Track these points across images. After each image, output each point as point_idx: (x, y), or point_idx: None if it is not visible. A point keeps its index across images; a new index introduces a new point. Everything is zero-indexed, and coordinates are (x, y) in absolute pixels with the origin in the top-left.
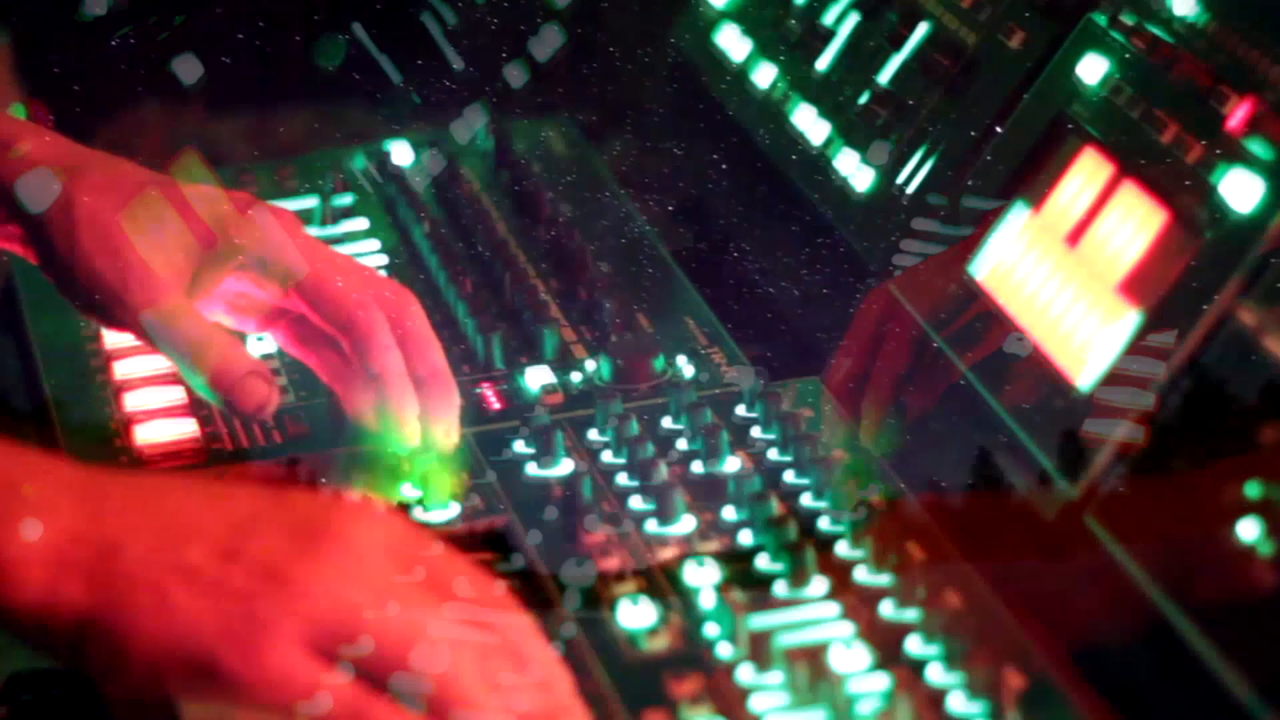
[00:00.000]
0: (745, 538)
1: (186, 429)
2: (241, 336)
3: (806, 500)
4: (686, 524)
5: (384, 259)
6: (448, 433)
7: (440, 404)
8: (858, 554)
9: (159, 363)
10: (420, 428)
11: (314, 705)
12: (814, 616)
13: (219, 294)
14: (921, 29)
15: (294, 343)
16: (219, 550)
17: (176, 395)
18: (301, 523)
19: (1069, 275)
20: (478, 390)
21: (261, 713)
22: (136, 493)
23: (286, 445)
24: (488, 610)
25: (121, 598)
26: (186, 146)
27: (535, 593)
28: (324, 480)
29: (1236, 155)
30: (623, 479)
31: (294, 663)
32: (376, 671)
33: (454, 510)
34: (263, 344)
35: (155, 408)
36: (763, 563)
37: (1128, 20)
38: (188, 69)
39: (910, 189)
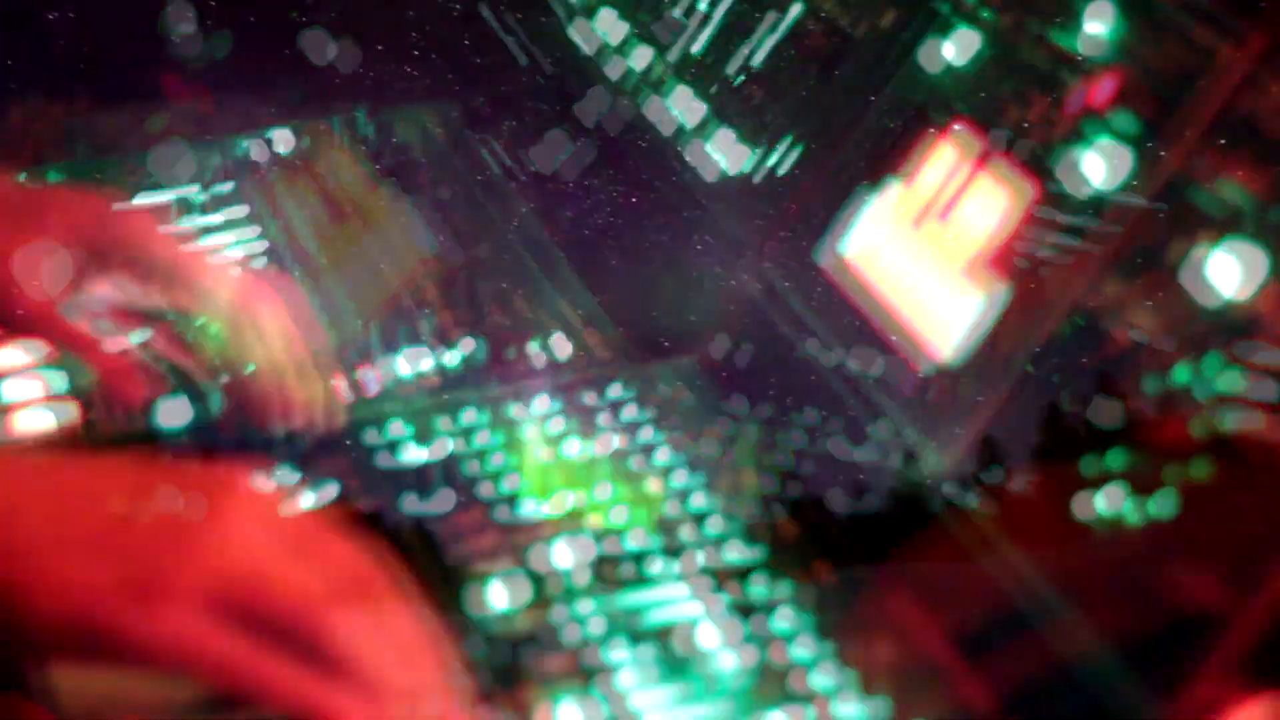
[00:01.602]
0: (618, 516)
1: (66, 416)
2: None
3: (679, 479)
4: (560, 503)
5: (264, 245)
6: (325, 416)
7: (314, 389)
8: (729, 531)
9: (36, 352)
10: (294, 417)
11: (206, 665)
12: (684, 594)
13: (87, 294)
14: (794, 9)
15: (162, 342)
16: (111, 519)
17: (57, 383)
18: (192, 489)
19: (937, 251)
20: (355, 374)
21: (137, 677)
22: (28, 467)
23: (165, 432)
24: (367, 580)
25: (18, 566)
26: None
27: (409, 572)
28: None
29: (1099, 130)
30: (497, 460)
31: (188, 623)
32: (269, 633)
33: (331, 492)
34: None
35: (34, 397)
36: (635, 541)
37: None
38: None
39: (783, 169)
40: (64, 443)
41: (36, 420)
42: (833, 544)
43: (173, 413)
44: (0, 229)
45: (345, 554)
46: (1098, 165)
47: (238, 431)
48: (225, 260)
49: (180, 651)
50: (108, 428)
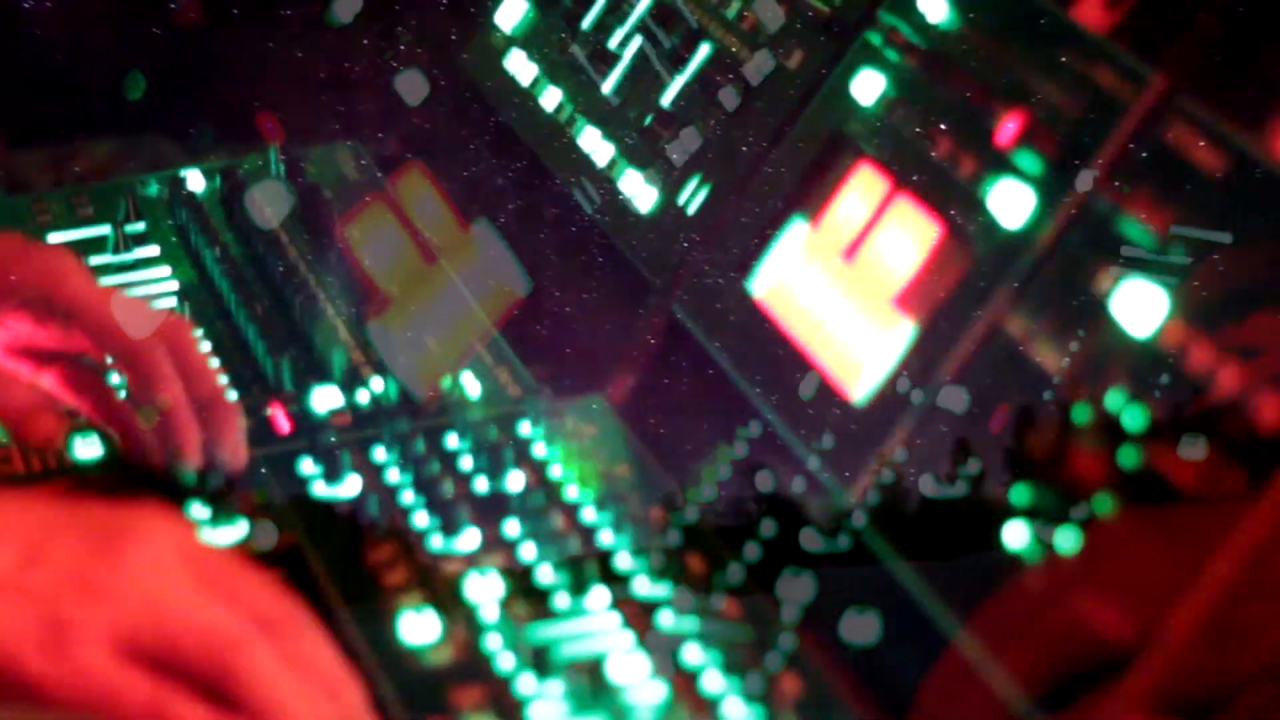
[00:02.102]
0: (527, 552)
1: None
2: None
3: (588, 515)
4: (470, 539)
5: (175, 284)
6: (234, 454)
7: (223, 427)
8: (637, 566)
9: None
10: (203, 455)
11: (117, 708)
12: (594, 628)
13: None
14: (703, 50)
15: (67, 385)
16: (21, 556)
17: None
18: (100, 529)
19: (846, 289)
20: (267, 411)
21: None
22: None
23: (81, 467)
24: (280, 616)
25: None
26: None
27: (322, 608)
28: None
29: (1006, 169)
30: (408, 497)
31: (98, 665)
32: (177, 673)
33: (243, 529)
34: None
35: None
36: (544, 576)
37: (901, 39)
38: None
39: (691, 208)
40: None
41: None
42: (742, 577)
43: (83, 450)
44: None
45: (258, 590)
46: (1005, 203)
47: (147, 469)
48: (134, 299)
49: (90, 694)
50: (23, 464)
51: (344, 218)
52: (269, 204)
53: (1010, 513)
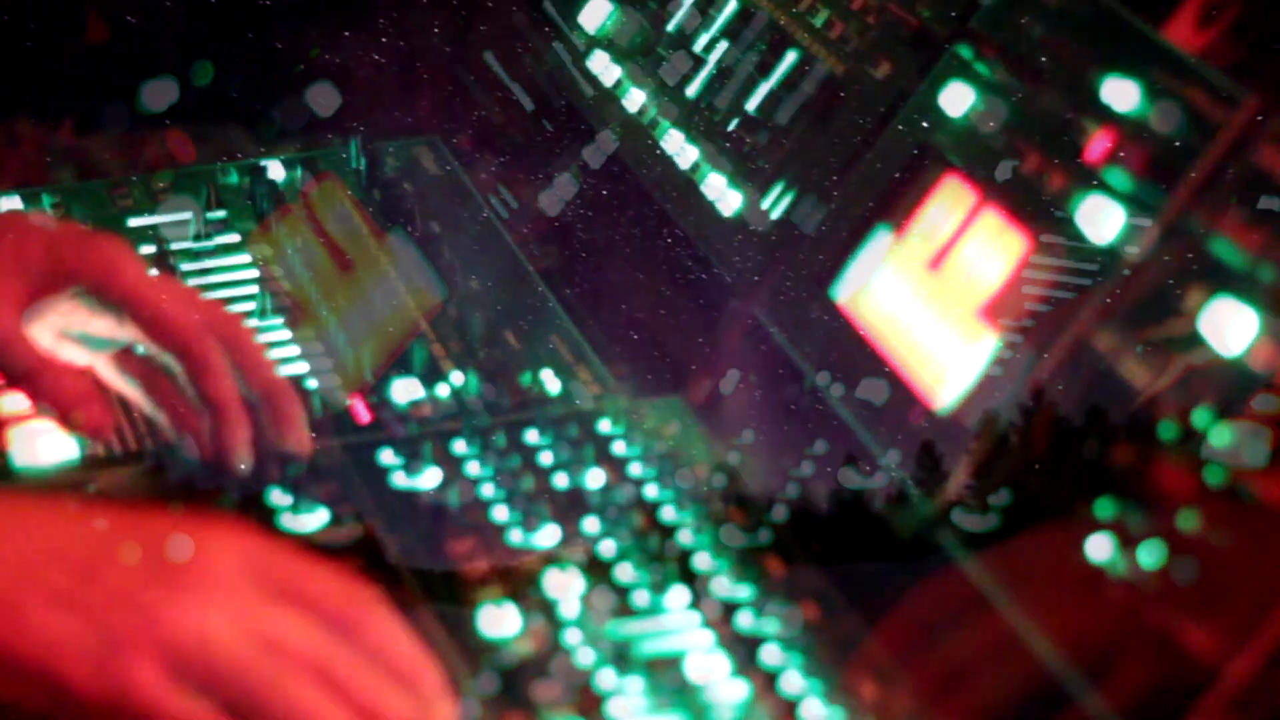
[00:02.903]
0: (607, 549)
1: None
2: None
3: (668, 514)
4: (550, 535)
5: (255, 273)
6: (297, 443)
7: (284, 417)
8: (717, 566)
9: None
10: (265, 445)
11: None
12: (673, 626)
13: (52, 323)
14: (790, 57)
15: (118, 374)
16: (79, 573)
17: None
18: (160, 547)
19: (930, 299)
20: (347, 402)
21: None
22: (1, 512)
23: (158, 452)
24: (352, 617)
25: None
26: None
27: (401, 601)
28: (195, 487)
29: (1095, 185)
30: (488, 490)
31: (150, 686)
32: (233, 697)
33: (322, 519)
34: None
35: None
36: (624, 573)
37: (991, 52)
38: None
39: (775, 214)
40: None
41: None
42: (821, 580)
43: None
44: None
45: (329, 591)
46: (1093, 218)
47: (195, 460)
48: (188, 289)
49: (136, 711)
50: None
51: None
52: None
53: (1094, 526)
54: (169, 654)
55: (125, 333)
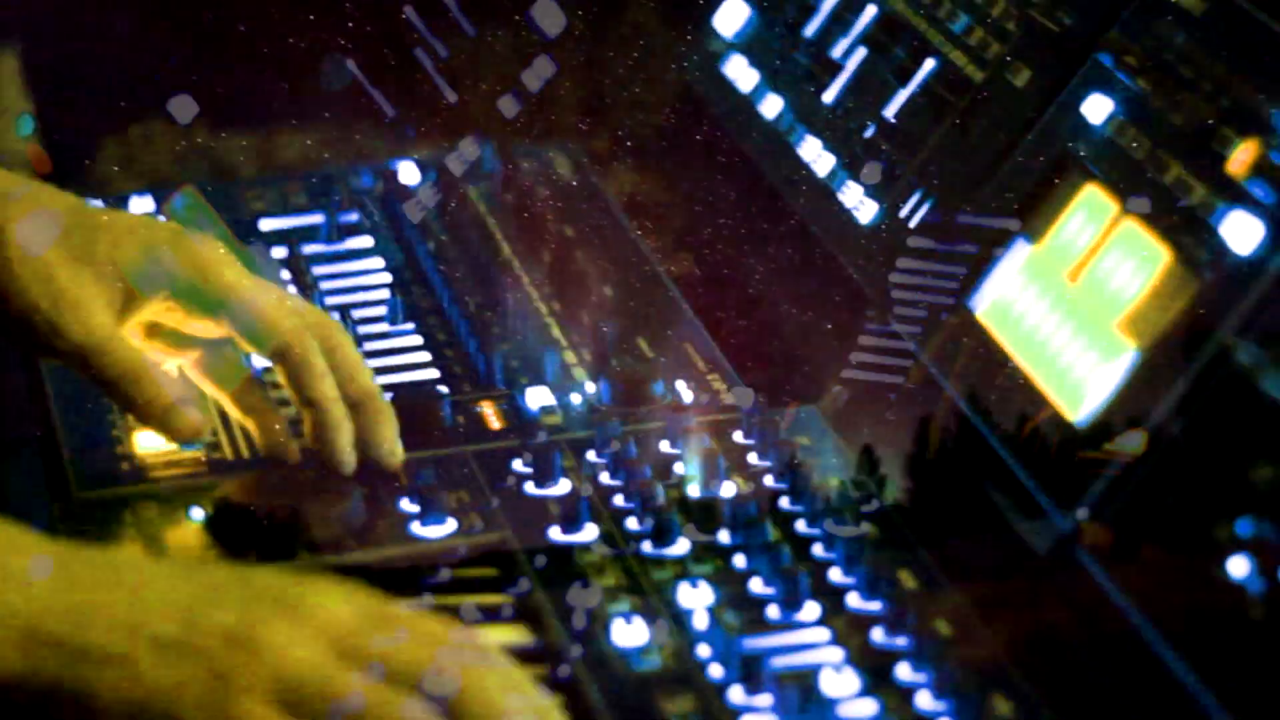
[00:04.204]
0: (740, 561)
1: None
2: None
3: (801, 526)
4: (682, 546)
5: (388, 276)
6: (389, 454)
7: (377, 427)
8: (850, 580)
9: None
10: (359, 451)
11: None
12: (806, 640)
13: (146, 323)
14: (928, 64)
15: (210, 377)
16: (184, 620)
17: None
18: (263, 593)
19: (1068, 311)
20: (478, 409)
21: None
22: (105, 567)
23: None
24: (460, 660)
25: (91, 669)
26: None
27: (530, 611)
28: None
29: (1237, 197)
30: (620, 500)
31: (255, 716)
32: None
33: (451, 526)
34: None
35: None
36: (756, 586)
37: (1132, 61)
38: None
39: (913, 222)
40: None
41: (158, 441)
42: (959, 597)
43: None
44: (51, 252)
45: (434, 632)
46: (1236, 231)
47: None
48: (286, 293)
49: None
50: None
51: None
52: (480, 199)
53: (1234, 544)
54: (279, 690)
55: (221, 333)
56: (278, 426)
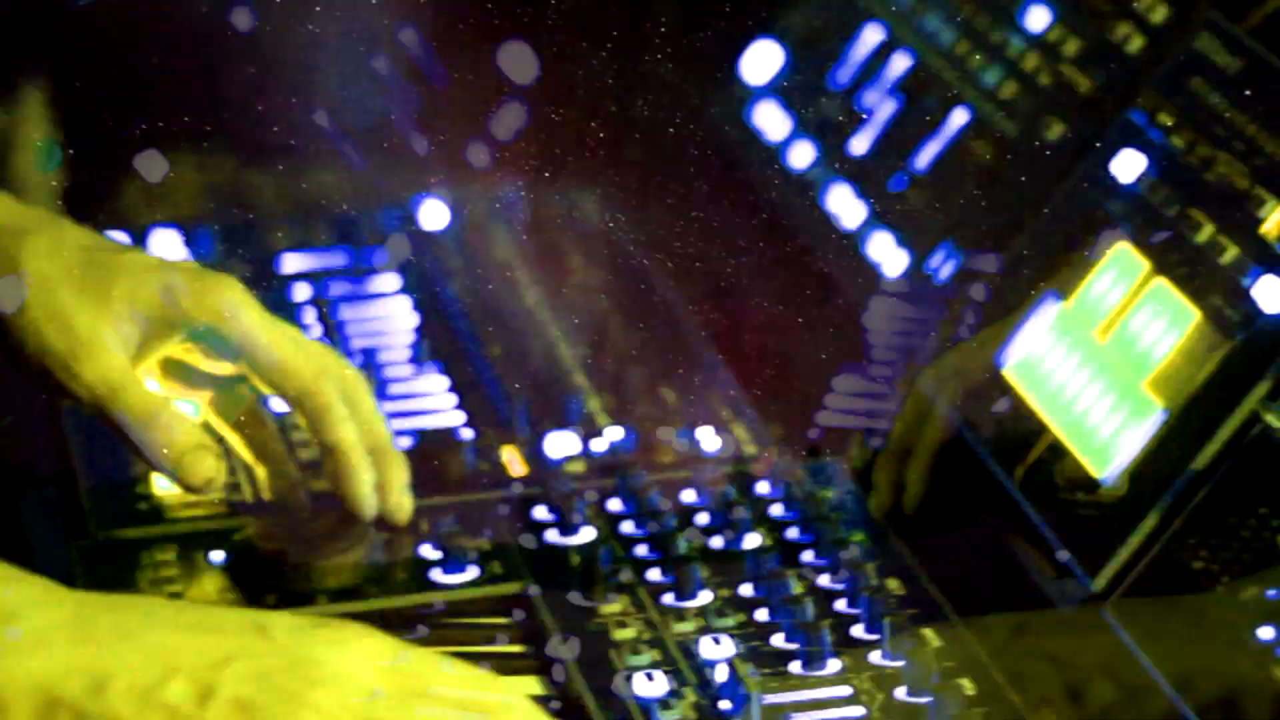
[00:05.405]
0: (762, 615)
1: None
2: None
3: (824, 581)
4: (703, 598)
5: (414, 318)
6: (397, 505)
7: (388, 477)
8: (874, 636)
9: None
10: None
11: None
12: (828, 696)
13: (163, 364)
14: (960, 116)
15: (223, 420)
16: (201, 689)
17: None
18: (282, 653)
19: (1097, 369)
20: (500, 455)
21: None
22: (124, 622)
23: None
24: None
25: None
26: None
27: (549, 661)
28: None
29: (1271, 259)
30: (642, 550)
31: None
32: None
33: (472, 573)
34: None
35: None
36: (778, 640)
37: (1165, 119)
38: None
39: (942, 276)
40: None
41: None
42: (983, 653)
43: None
44: (67, 292)
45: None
46: (1269, 293)
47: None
48: (305, 337)
49: None
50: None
51: (580, 261)
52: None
53: (1264, 610)
54: None
55: (240, 375)
56: (290, 473)
